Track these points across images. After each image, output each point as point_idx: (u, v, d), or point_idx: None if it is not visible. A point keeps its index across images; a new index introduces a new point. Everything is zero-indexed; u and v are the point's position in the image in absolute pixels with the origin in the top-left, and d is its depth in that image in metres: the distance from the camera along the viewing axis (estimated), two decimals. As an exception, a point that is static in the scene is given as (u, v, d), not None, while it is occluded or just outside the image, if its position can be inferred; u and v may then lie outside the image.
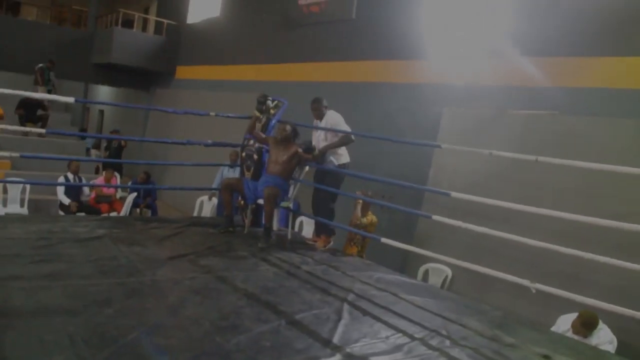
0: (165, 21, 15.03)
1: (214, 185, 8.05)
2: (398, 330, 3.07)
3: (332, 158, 5.14)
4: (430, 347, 2.91)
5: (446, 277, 6.02)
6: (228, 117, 6.07)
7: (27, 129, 9.37)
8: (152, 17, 16.47)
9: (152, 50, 14.82)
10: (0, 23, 14.41)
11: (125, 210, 8.62)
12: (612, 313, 3.26)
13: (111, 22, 15.16)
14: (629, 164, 3.59)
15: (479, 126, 6.48)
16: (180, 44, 14.91)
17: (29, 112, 11.60)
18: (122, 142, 12.64)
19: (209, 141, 5.91)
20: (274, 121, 5.42)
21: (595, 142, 5.37)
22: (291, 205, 5.19)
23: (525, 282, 3.59)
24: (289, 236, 5.27)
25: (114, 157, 12.60)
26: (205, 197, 8.80)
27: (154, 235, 4.54)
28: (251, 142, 5.44)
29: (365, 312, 3.30)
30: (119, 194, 9.32)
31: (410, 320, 3.27)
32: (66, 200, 8.16)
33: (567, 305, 3.99)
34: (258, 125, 5.43)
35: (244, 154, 5.53)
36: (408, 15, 7.74)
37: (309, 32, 9.95)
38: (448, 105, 7.00)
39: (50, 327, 2.47)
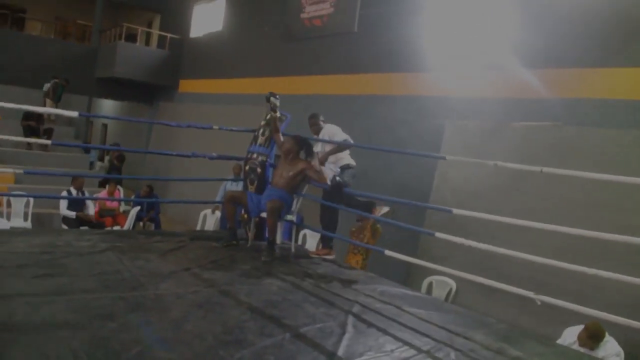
0: (169, 35, 15.14)
1: (217, 199, 8.06)
2: (403, 343, 3.05)
3: (331, 166, 5.12)
4: (435, 360, 2.89)
5: (450, 289, 5.99)
6: (231, 130, 6.08)
7: (32, 140, 9.41)
8: (156, 32, 16.60)
9: (155, 64, 14.93)
10: (6, 38, 14.54)
11: (128, 224, 8.62)
12: (619, 325, 3.23)
13: (115, 37, 15.30)
14: (632, 174, 3.58)
15: (481, 138, 6.49)
16: (183, 58, 15.01)
17: (35, 125, 11.75)
18: (115, 161, 12.82)
19: (214, 154, 5.92)
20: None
21: (597, 152, 5.37)
22: (295, 219, 5.18)
23: (530, 294, 3.56)
24: (293, 249, 5.26)
25: (114, 170, 12.68)
26: (208, 211, 8.81)
27: (157, 248, 4.53)
28: (254, 155, 5.44)
29: (369, 325, 3.28)
30: (122, 207, 9.33)
31: (415, 334, 3.25)
32: (70, 214, 8.16)
33: (572, 318, 3.96)
34: (261, 138, 5.44)
35: (247, 168, 5.53)
36: (410, 28, 7.78)
37: (311, 45, 10.00)
38: (450, 117, 7.02)
39: (54, 342, 2.45)
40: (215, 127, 5.83)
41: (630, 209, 4.98)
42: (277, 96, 5.24)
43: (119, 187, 9.74)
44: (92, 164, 14.91)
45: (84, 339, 2.52)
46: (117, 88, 15.72)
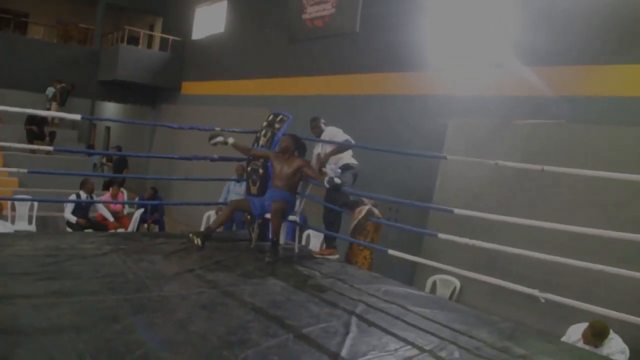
0: (171, 37, 15.18)
1: (221, 200, 8.07)
2: (407, 342, 3.05)
3: (331, 166, 5.11)
4: (439, 359, 2.88)
5: (455, 288, 5.98)
6: (234, 131, 6.09)
7: (35, 146, 9.45)
8: (158, 34, 16.64)
9: (157, 66, 14.96)
10: (8, 41, 14.61)
11: (132, 226, 8.64)
12: (624, 322, 3.22)
13: (117, 40, 15.34)
14: (637, 171, 3.57)
15: (485, 137, 6.48)
16: (186, 60, 15.04)
17: (39, 128, 11.80)
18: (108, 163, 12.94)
19: (215, 156, 5.93)
20: (279, 135, 5.41)
21: (602, 150, 5.35)
22: (298, 219, 5.18)
23: (535, 292, 3.55)
24: (296, 250, 5.26)
25: (116, 172, 12.74)
26: (212, 212, 8.81)
27: (161, 250, 4.53)
28: (257, 156, 5.45)
29: (373, 325, 3.28)
30: (126, 210, 9.35)
31: (419, 333, 3.25)
32: (73, 219, 8.16)
33: (577, 315, 3.95)
34: (263, 140, 5.45)
35: (249, 169, 5.54)
36: (412, 28, 7.78)
37: (313, 46, 10.01)
38: (453, 116, 7.01)
39: (59, 345, 2.46)
40: (217, 128, 5.83)
41: (636, 206, 4.96)
42: (217, 136, 5.15)
43: (122, 189, 9.76)
44: (95, 167, 14.96)
45: (89, 341, 2.53)
46: (119, 91, 15.77)
